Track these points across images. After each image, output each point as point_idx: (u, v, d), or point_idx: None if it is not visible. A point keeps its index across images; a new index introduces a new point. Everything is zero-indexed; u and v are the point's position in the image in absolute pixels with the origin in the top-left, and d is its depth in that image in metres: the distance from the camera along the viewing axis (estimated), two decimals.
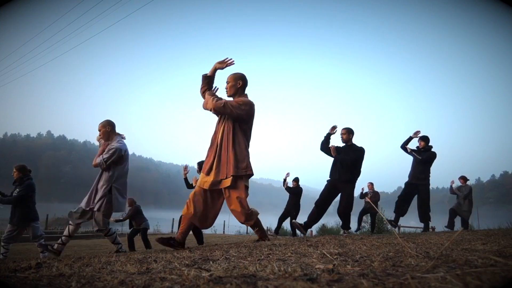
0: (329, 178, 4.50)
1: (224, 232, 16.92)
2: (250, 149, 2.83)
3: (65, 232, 3.46)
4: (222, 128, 2.76)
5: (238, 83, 2.84)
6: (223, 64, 2.83)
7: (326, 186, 4.49)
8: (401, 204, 5.13)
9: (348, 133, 4.49)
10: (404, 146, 5.33)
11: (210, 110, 2.71)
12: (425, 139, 5.23)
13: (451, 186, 7.02)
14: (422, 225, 5.22)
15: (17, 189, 4.50)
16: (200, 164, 5.43)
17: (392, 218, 5.32)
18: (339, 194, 4.38)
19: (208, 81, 2.89)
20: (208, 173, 2.69)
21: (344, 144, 4.55)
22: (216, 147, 2.73)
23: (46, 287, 0.92)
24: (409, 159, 5.43)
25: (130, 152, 3.74)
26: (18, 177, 4.54)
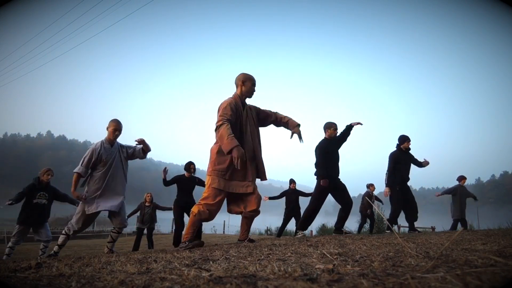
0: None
1: (224, 232, 16.92)
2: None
3: None
4: (250, 129, 2.76)
5: None
6: None
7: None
8: (410, 209, 4.69)
9: None
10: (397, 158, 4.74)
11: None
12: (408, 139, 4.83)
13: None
14: (423, 224, 5.08)
15: (44, 193, 4.50)
16: (189, 164, 5.33)
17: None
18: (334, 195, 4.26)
19: None
20: (235, 178, 2.66)
21: None
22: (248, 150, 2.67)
23: (46, 287, 0.92)
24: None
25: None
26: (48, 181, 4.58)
